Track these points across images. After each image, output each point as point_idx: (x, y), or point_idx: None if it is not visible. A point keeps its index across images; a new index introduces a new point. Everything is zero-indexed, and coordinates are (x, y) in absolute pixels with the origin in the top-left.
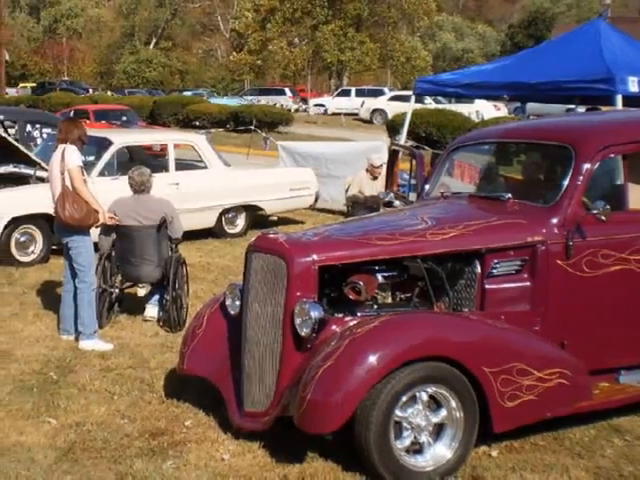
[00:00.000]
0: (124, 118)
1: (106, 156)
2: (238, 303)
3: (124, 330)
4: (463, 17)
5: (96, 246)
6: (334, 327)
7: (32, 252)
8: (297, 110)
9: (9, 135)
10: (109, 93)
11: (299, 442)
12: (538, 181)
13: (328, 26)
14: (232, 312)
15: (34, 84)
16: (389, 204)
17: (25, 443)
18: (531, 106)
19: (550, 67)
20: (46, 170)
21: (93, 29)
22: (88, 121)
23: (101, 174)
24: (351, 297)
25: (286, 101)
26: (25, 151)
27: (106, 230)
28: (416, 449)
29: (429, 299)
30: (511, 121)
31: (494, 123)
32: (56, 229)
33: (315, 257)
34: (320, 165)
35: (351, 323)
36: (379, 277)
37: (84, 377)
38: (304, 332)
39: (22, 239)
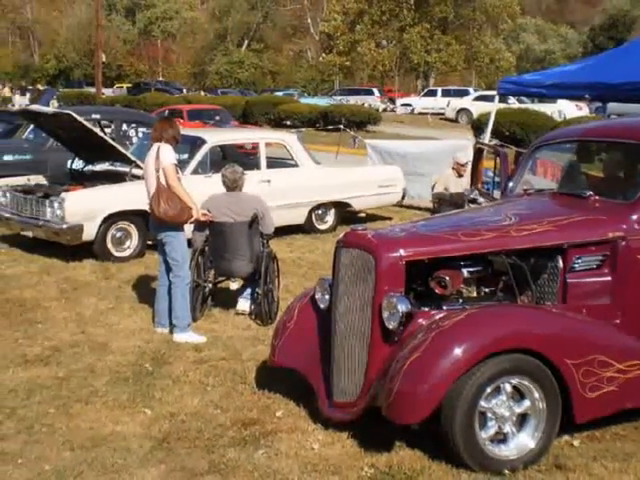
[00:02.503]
0: (217, 118)
1: (199, 154)
2: (327, 297)
3: (217, 323)
4: (545, 19)
5: (189, 242)
6: (421, 320)
7: (128, 247)
8: (385, 110)
9: (106, 134)
10: (202, 93)
11: (387, 432)
12: (618, 178)
13: (415, 28)
14: (322, 306)
15: (130, 84)
16: (474, 201)
17: (121, 433)
18: (612, 106)
19: (631, 68)
20: (141, 168)
21: (187, 31)
22: (182, 120)
23: (195, 172)
24: (437, 291)
25: (374, 101)
26: (121, 150)
27: (199, 226)
28: (500, 439)
29: (513, 293)
30: (592, 120)
31: (576, 122)
32: (151, 225)
33: (402, 252)
34: (407, 163)
35: (437, 316)
36: (464, 272)
37: (178, 369)
38: (392, 325)
39: (118, 235)
